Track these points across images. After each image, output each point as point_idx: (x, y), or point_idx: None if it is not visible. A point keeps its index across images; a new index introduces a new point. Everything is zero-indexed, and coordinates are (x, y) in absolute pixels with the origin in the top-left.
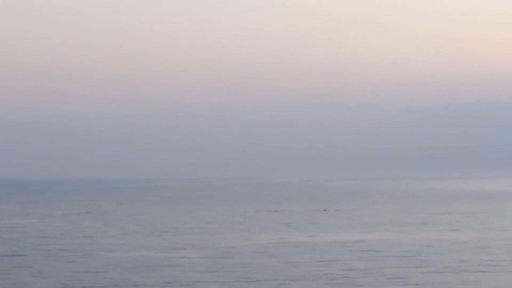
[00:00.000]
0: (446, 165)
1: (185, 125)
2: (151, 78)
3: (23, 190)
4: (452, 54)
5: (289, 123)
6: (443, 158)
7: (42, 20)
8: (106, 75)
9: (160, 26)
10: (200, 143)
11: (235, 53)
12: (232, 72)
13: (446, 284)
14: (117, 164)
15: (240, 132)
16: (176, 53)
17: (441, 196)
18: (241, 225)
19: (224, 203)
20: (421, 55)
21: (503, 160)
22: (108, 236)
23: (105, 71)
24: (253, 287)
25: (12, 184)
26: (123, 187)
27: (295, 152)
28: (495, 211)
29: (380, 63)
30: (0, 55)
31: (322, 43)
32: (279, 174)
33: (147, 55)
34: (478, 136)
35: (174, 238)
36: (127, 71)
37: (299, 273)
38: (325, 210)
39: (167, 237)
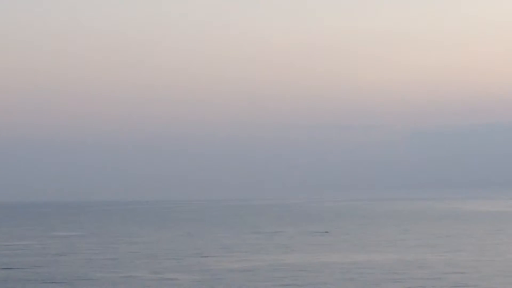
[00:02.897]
0: (452, 186)
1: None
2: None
3: (25, 212)
4: (462, 75)
5: (292, 143)
6: (449, 179)
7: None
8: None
9: (157, 34)
10: (202, 163)
11: (242, 71)
12: (230, 89)
13: None
14: (116, 187)
15: (242, 151)
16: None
17: (443, 217)
18: (239, 247)
19: (223, 224)
20: (429, 75)
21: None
22: (103, 258)
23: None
24: None
25: (9, 206)
26: (128, 208)
27: (298, 173)
28: (495, 232)
29: (387, 83)
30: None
31: (325, 63)
32: (282, 195)
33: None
34: (485, 157)
35: (169, 260)
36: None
37: None
38: (326, 232)
39: (162, 259)
